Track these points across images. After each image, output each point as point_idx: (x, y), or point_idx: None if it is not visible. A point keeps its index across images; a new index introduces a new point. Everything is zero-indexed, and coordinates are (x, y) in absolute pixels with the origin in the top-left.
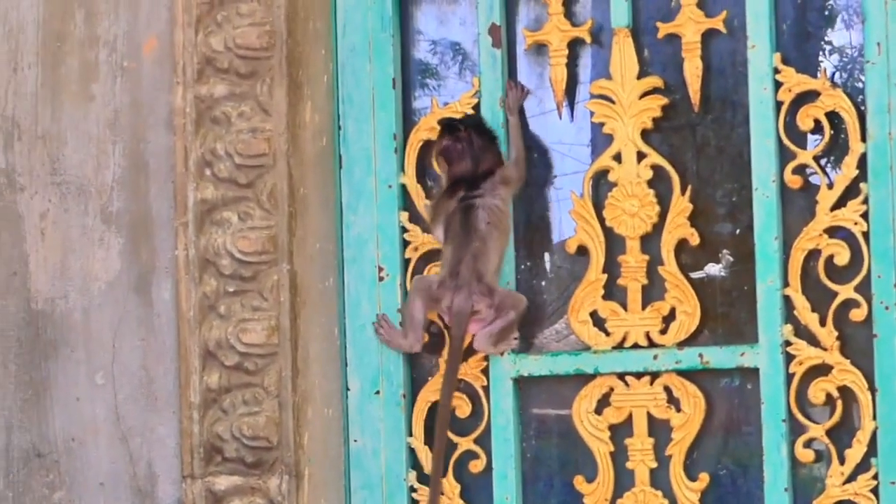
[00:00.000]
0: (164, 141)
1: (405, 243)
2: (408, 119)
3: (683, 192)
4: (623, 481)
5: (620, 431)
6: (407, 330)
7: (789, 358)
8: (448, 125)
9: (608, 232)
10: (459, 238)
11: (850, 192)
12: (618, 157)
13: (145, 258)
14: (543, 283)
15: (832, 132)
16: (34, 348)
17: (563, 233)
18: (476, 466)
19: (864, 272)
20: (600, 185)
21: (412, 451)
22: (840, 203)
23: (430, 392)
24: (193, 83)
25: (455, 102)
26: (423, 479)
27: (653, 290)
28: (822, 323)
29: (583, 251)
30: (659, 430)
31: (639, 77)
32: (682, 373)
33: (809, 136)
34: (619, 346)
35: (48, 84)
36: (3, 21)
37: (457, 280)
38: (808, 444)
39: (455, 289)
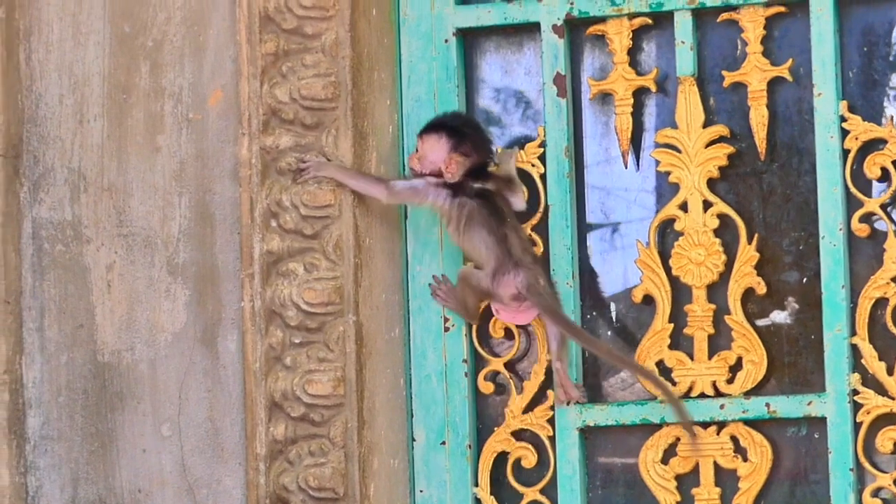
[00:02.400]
0: (230, 192)
1: None
2: None
3: (750, 240)
4: None
5: (687, 481)
6: (466, 309)
7: (857, 407)
8: (446, 125)
9: (674, 281)
10: (491, 224)
11: None
12: (684, 206)
13: (211, 310)
14: (609, 332)
15: None
16: (100, 400)
17: (628, 281)
18: None
19: None
20: (666, 234)
21: (478, 501)
22: None
23: (497, 442)
24: (259, 134)
25: (521, 152)
26: None
27: (719, 340)
28: (890, 372)
29: (649, 300)
30: (726, 479)
31: (704, 126)
32: (749, 422)
33: (876, 184)
34: (686, 396)
35: (114, 136)
36: (68, 73)
37: (512, 259)
38: (875, 493)
39: (515, 267)
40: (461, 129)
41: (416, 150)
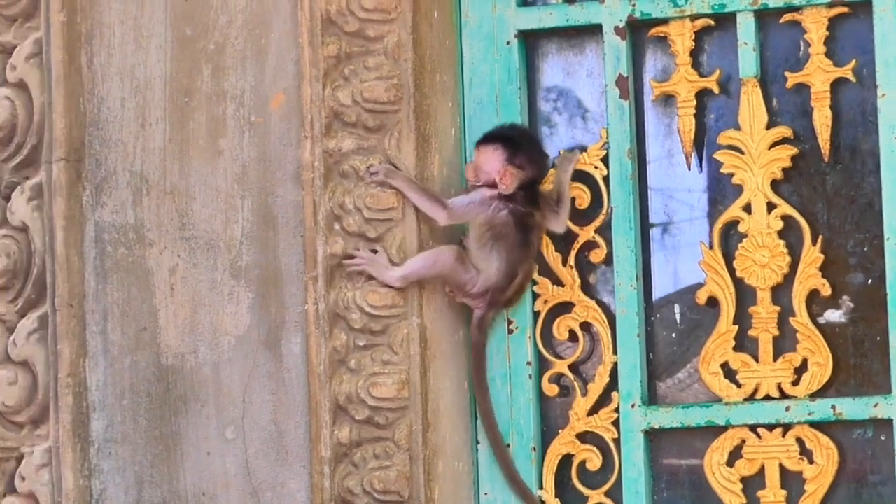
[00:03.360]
0: (293, 195)
1: (535, 296)
2: None
3: (814, 242)
4: None
5: (753, 484)
6: (406, 268)
7: None
8: (503, 137)
9: (738, 283)
10: (515, 253)
11: None
12: (747, 208)
13: (275, 312)
14: (673, 334)
15: None
16: (164, 403)
17: (692, 283)
18: None
19: None
20: (730, 235)
21: None
22: None
23: (561, 444)
24: (321, 137)
25: (584, 154)
26: None
27: (784, 342)
28: None
29: (713, 302)
30: (791, 482)
31: (768, 127)
32: (815, 424)
33: None
34: (751, 398)
35: (176, 139)
36: (130, 77)
37: (499, 296)
38: None
39: (490, 303)
40: (518, 140)
41: (473, 160)
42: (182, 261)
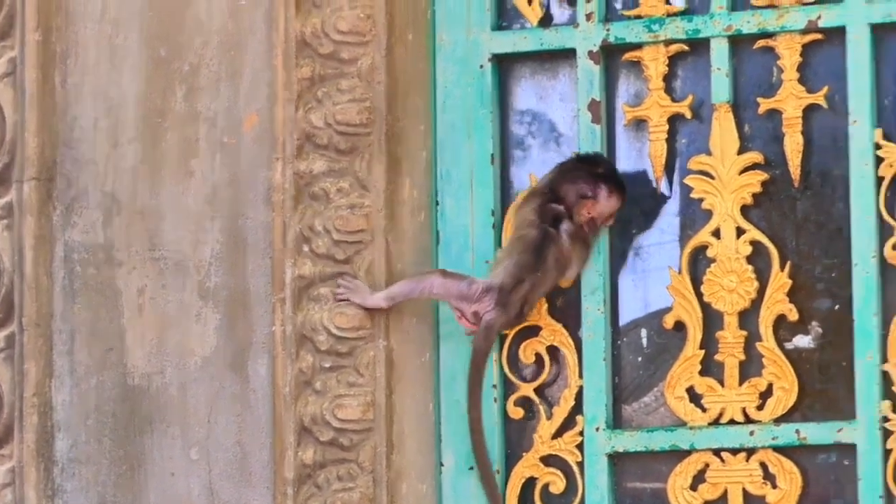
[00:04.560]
0: (263, 217)
1: None
2: (506, 195)
3: (783, 267)
4: None
5: None
6: (393, 287)
7: (887, 434)
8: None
9: (706, 307)
10: (526, 260)
11: None
12: (717, 233)
13: (242, 334)
14: (640, 358)
15: None
16: (129, 424)
17: (660, 307)
18: None
19: None
20: (699, 260)
21: None
22: None
23: (525, 467)
24: (293, 159)
25: None
26: None
27: (750, 366)
28: None
29: (680, 326)
30: None
31: (739, 153)
32: (779, 449)
33: None
34: (716, 423)
35: (147, 160)
36: (103, 97)
37: (506, 297)
38: None
39: (497, 303)
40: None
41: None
42: (151, 281)
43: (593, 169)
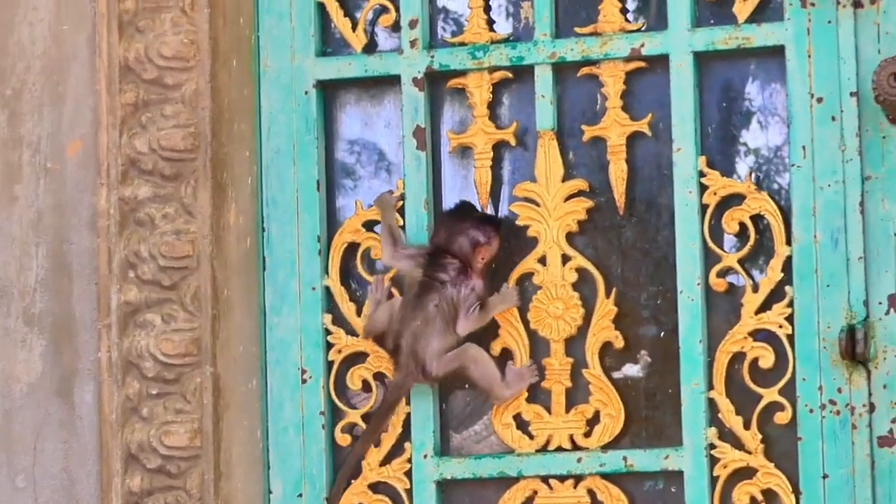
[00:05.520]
0: (88, 242)
1: (329, 346)
2: (332, 221)
3: (608, 294)
4: None
5: None
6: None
7: (714, 461)
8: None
9: (532, 334)
10: (407, 307)
11: (775, 295)
12: (542, 260)
13: (68, 360)
14: (466, 385)
15: (757, 235)
16: None
17: (486, 335)
18: None
19: (788, 375)
20: (524, 287)
21: None
22: (765, 306)
23: (354, 494)
24: (117, 185)
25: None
26: None
27: (577, 393)
28: (747, 426)
29: (506, 353)
30: None
31: (564, 180)
32: (607, 476)
33: (735, 239)
34: (543, 450)
35: None
36: None
37: (398, 355)
38: None
39: (397, 362)
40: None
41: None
42: None
43: (470, 216)
